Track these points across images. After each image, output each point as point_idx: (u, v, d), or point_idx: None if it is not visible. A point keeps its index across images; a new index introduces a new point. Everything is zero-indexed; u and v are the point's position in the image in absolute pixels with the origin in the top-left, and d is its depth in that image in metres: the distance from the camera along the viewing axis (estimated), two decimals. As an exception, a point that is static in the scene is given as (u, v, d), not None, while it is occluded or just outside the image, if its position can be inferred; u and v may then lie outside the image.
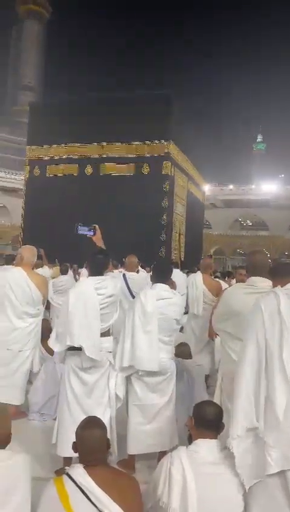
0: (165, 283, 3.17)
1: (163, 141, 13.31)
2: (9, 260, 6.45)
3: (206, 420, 2.10)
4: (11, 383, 3.80)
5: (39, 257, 4.75)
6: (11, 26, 77.54)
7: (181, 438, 3.16)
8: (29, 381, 4.11)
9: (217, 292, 4.91)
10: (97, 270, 2.99)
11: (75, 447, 1.90)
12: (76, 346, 2.76)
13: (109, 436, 2.77)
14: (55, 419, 3.31)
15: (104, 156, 13.99)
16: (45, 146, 14.88)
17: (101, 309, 2.86)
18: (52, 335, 2.92)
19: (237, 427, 1.91)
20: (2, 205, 45.76)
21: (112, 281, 2.98)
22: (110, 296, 2.91)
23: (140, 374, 3.02)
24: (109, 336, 3.03)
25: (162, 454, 2.93)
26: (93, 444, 1.84)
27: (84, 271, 6.27)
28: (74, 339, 2.75)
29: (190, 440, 2.17)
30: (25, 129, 18.67)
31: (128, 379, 3.09)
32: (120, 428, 3.06)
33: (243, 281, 3.44)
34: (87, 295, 2.83)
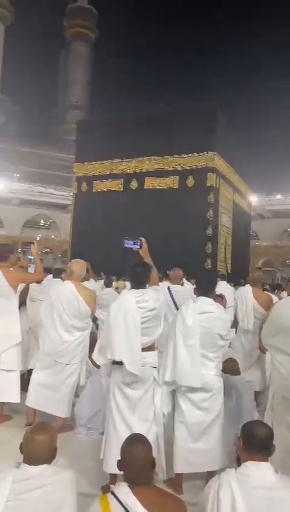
0: (209, 296, 3.09)
1: (207, 153, 13.23)
2: (58, 273, 6.60)
3: (255, 442, 1.99)
4: (58, 395, 3.84)
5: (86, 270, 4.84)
6: (59, 49, 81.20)
7: (231, 458, 3.05)
8: (76, 395, 4.15)
9: (268, 306, 4.73)
10: (138, 283, 2.95)
11: (120, 464, 1.87)
12: (117, 360, 2.74)
13: (156, 454, 2.72)
14: (102, 433, 3.30)
15: (149, 170, 14.12)
16: (91, 162, 15.24)
17: (142, 323, 2.81)
18: (96, 348, 2.93)
19: None
20: (52, 221, 47.44)
21: (153, 294, 2.92)
22: (151, 310, 2.86)
23: (183, 389, 2.94)
24: (153, 350, 2.97)
25: (211, 474, 2.83)
26: (138, 462, 1.79)
27: (127, 284, 6.31)
28: (115, 352, 2.73)
29: (239, 462, 2.07)
30: (73, 147, 19.26)
31: (174, 395, 3.03)
32: (167, 446, 3.00)
33: (293, 294, 3.30)
34: (127, 308, 2.80)
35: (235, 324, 5.23)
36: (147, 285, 3.07)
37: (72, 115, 69.19)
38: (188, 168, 13.51)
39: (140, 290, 2.91)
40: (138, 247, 3.29)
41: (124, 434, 2.38)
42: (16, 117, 70.98)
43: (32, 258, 4.35)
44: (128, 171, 14.48)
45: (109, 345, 2.75)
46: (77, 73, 74.94)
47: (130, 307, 2.80)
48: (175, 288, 5.28)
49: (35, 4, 78.53)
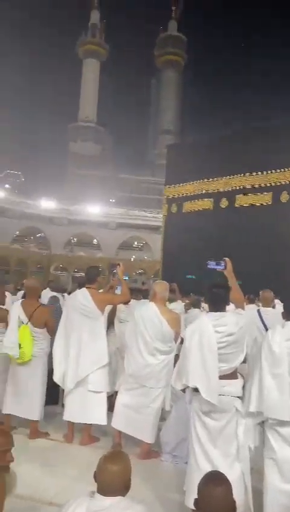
0: None
1: (303, 166, 12.55)
2: (147, 294, 6.66)
3: None
4: (142, 419, 3.78)
5: (172, 291, 4.79)
6: (150, 77, 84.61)
7: None
8: (163, 418, 4.05)
9: None
10: (215, 305, 2.80)
11: (197, 504, 1.72)
12: (191, 386, 2.60)
13: (241, 493, 2.50)
14: (186, 463, 3.15)
15: (239, 187, 13.81)
16: (181, 184, 15.42)
17: (219, 348, 2.64)
18: (174, 372, 2.82)
19: None
20: (144, 242, 48.72)
21: (233, 318, 2.74)
22: (230, 335, 2.67)
23: (270, 422, 2.67)
24: (235, 378, 2.77)
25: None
26: (215, 504, 1.63)
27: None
28: (189, 378, 2.60)
29: None
30: (164, 170, 19.70)
31: (263, 428, 2.78)
32: (258, 484, 2.74)
33: None
34: (203, 331, 2.66)
35: None
36: (236, 308, 2.90)
37: (163, 139, 70.97)
38: (282, 183, 12.93)
39: (218, 313, 2.76)
40: (222, 267, 3.17)
41: (205, 468, 2.22)
42: (111, 145, 74.95)
43: (125, 278, 4.45)
44: (218, 190, 14.34)
45: (184, 369, 2.63)
46: (167, 99, 77.18)
47: (206, 330, 2.66)
48: (266, 311, 4.97)
49: (127, 38, 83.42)
